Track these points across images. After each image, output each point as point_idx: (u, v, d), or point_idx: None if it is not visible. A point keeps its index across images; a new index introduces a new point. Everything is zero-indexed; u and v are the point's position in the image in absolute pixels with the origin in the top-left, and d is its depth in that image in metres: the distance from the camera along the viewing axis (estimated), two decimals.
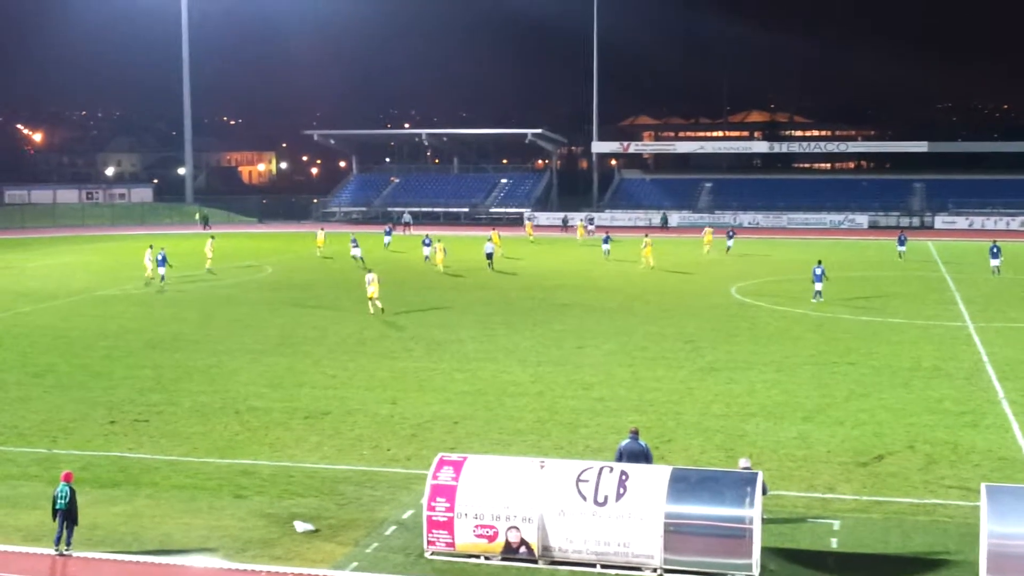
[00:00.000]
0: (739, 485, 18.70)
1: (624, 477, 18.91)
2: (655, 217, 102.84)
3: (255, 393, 32.47)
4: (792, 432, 27.81)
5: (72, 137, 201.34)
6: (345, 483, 23.89)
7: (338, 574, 18.96)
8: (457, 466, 19.59)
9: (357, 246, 68.34)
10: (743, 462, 20.63)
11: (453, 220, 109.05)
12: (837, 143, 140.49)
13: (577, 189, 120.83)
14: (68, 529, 19.64)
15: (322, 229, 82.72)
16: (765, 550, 19.10)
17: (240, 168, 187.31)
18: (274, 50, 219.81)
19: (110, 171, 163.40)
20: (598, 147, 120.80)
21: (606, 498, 18.70)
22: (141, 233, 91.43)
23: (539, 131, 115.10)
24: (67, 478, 20.03)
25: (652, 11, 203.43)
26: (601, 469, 19.20)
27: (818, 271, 50.95)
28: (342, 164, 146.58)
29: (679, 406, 30.60)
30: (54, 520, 19.69)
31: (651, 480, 18.87)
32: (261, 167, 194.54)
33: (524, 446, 26.63)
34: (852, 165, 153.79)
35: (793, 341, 40.43)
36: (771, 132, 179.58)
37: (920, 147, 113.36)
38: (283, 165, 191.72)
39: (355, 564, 19.34)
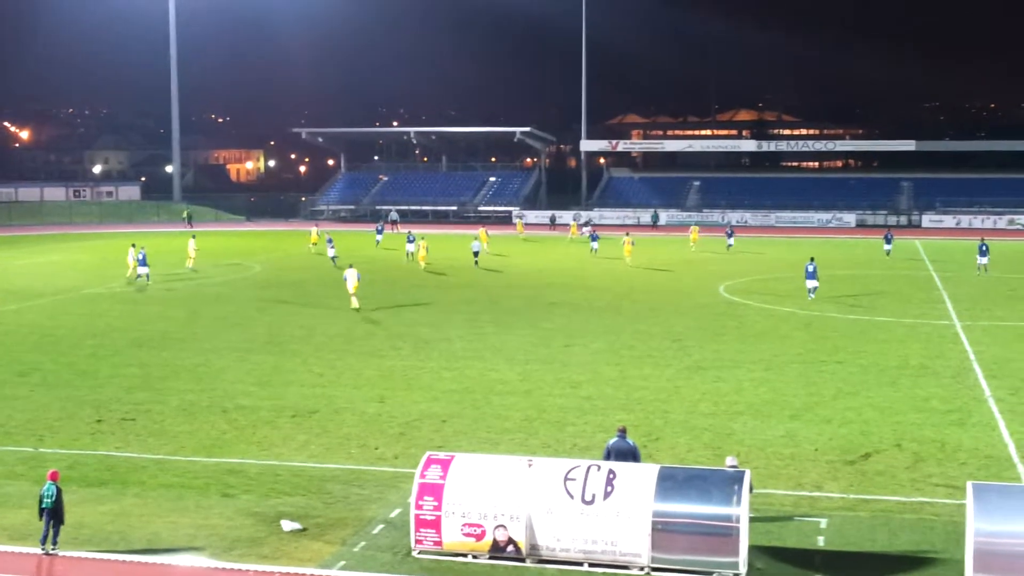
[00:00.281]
0: (726, 483, 18.72)
1: (612, 476, 18.91)
2: (643, 215, 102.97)
3: (242, 391, 32.40)
4: (780, 430, 27.85)
5: (59, 135, 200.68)
6: (333, 482, 23.85)
7: (325, 573, 18.92)
8: (445, 464, 19.57)
9: (333, 246, 68.17)
10: (730, 460, 20.64)
11: (441, 218, 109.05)
12: (825, 142, 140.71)
13: (566, 187, 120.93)
14: (54, 528, 19.56)
15: (316, 226, 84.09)
16: (752, 548, 19.13)
17: (228, 166, 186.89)
18: (262, 48, 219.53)
19: (97, 169, 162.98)
20: (586, 145, 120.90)
21: (594, 496, 18.70)
22: (129, 231, 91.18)
23: (527, 129, 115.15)
24: (53, 477, 19.96)
25: (641, 10, 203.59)
26: (589, 468, 19.20)
27: (810, 268, 51.06)
28: (330, 162, 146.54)
29: (667, 404, 30.62)
30: (40, 519, 19.60)
31: (639, 478, 18.88)
32: (249, 165, 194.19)
33: (512, 444, 26.62)
34: (840, 164, 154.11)
35: (781, 339, 40.49)
36: (759, 131, 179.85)
37: (908, 146, 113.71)
38: (271, 163, 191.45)
39: (342, 563, 19.31)
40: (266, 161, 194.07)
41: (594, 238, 74.89)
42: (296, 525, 20.91)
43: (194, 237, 69.27)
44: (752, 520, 19.66)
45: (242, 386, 33.14)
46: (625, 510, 18.52)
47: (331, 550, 19.86)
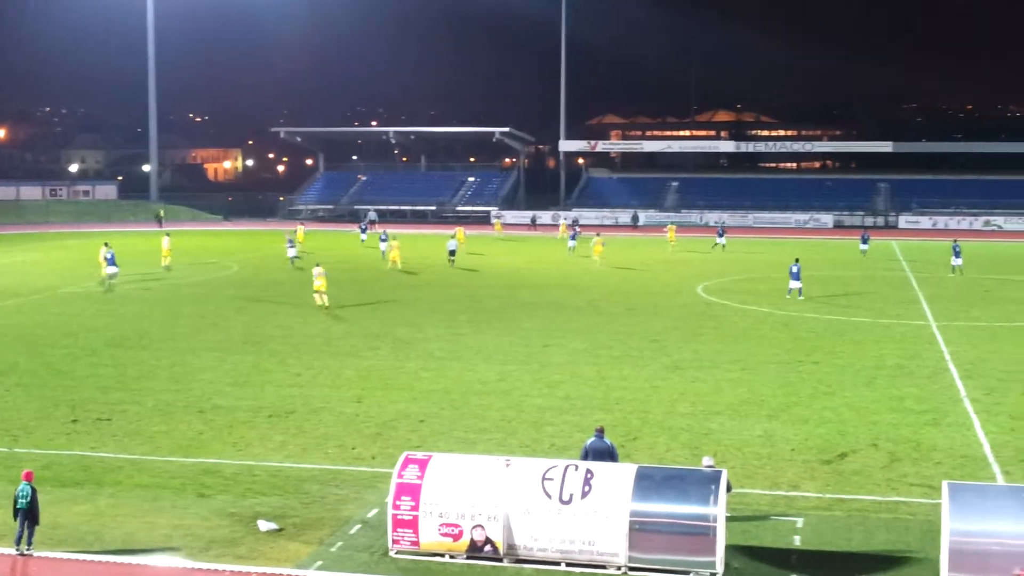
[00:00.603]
0: (704, 483, 18.76)
1: (589, 475, 18.92)
2: (622, 216, 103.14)
3: (219, 392, 32.29)
4: (757, 430, 27.93)
5: (36, 133, 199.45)
6: (310, 482, 23.79)
7: (302, 573, 18.87)
8: (422, 464, 19.55)
9: (293, 246, 67.77)
10: (707, 460, 20.68)
11: (420, 218, 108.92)
12: (803, 143, 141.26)
13: (545, 188, 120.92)
14: (29, 529, 19.45)
15: (301, 225, 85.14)
16: (729, 548, 19.17)
17: (206, 165, 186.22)
18: (241, 47, 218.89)
19: (74, 168, 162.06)
20: (565, 146, 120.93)
21: (571, 496, 18.71)
22: (106, 230, 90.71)
23: (506, 130, 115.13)
24: (28, 477, 19.84)
25: (620, 10, 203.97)
26: (566, 467, 19.21)
27: (795, 269, 51.32)
28: (309, 162, 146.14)
29: (645, 404, 30.67)
30: (15, 520, 19.48)
31: (616, 478, 18.90)
32: (227, 164, 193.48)
33: (490, 444, 26.61)
34: (818, 165, 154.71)
35: (758, 340, 40.61)
36: (738, 132, 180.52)
37: (885, 147, 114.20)
38: (249, 163, 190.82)
39: (319, 563, 19.26)
40: (244, 160, 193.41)
41: (572, 236, 75.69)
42: (273, 525, 20.85)
43: (168, 235, 68.89)
44: (729, 519, 19.71)
45: (219, 386, 33.03)
46: (603, 510, 18.54)
47: (308, 550, 19.80)
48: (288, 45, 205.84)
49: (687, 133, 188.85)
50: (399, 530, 19.28)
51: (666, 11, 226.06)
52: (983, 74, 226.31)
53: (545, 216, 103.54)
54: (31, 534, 19.48)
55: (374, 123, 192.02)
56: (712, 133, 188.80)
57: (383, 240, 70.24)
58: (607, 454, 21.05)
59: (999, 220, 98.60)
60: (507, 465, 19.51)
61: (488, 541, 18.96)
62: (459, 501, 19.03)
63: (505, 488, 18.99)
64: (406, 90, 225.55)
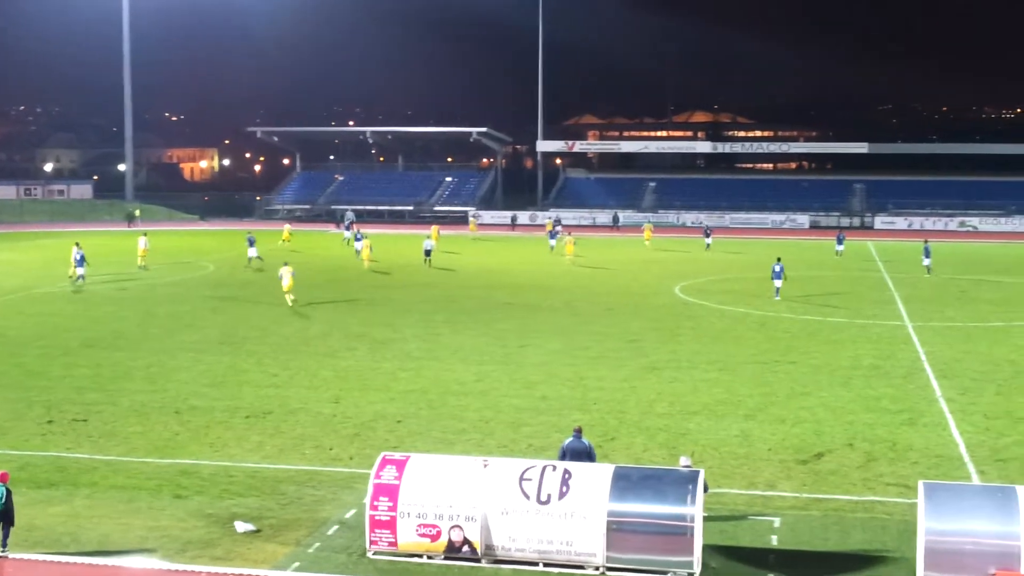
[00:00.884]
0: (681, 483, 18.80)
1: (567, 476, 18.94)
2: (600, 216, 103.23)
3: (195, 392, 32.16)
4: (734, 430, 28.01)
5: (10, 132, 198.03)
6: (287, 483, 23.73)
7: (280, 574, 18.81)
8: (400, 465, 19.52)
9: (253, 245, 67.40)
10: (684, 460, 20.73)
11: (398, 218, 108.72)
12: (779, 144, 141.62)
13: (522, 188, 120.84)
14: (4, 530, 19.32)
15: (288, 224, 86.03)
16: (707, 547, 19.23)
17: (182, 165, 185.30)
18: (217, 46, 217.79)
19: (49, 167, 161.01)
20: (543, 146, 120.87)
21: (549, 496, 18.72)
22: (81, 230, 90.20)
23: (484, 130, 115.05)
24: (3, 478, 19.69)
25: (597, 11, 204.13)
26: (544, 468, 19.22)
27: (777, 268, 51.56)
28: (286, 161, 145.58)
29: (622, 405, 30.71)
30: None
31: (594, 478, 18.92)
32: (203, 164, 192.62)
33: (467, 445, 26.60)
34: (794, 165, 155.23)
35: (735, 340, 40.73)
36: (714, 132, 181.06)
37: (861, 148, 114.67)
38: (226, 162, 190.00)
39: (297, 564, 19.21)
40: (221, 160, 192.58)
41: (552, 235, 76.05)
42: (250, 526, 20.79)
43: (145, 235, 68.49)
44: (706, 519, 19.77)
45: (195, 387, 32.90)
46: (580, 510, 18.55)
47: (285, 551, 19.75)
48: (265, 44, 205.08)
49: (664, 134, 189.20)
50: (377, 531, 19.25)
51: (643, 12, 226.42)
52: (959, 76, 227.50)
53: (523, 216, 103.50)
54: (6, 536, 19.36)
55: (351, 123, 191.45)
56: (689, 134, 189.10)
57: (358, 240, 70.32)
58: (585, 454, 21.07)
59: (974, 221, 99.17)
60: (485, 466, 19.51)
61: (466, 542, 18.96)
62: (437, 502, 19.02)
63: (483, 489, 18.99)
64: (383, 90, 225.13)
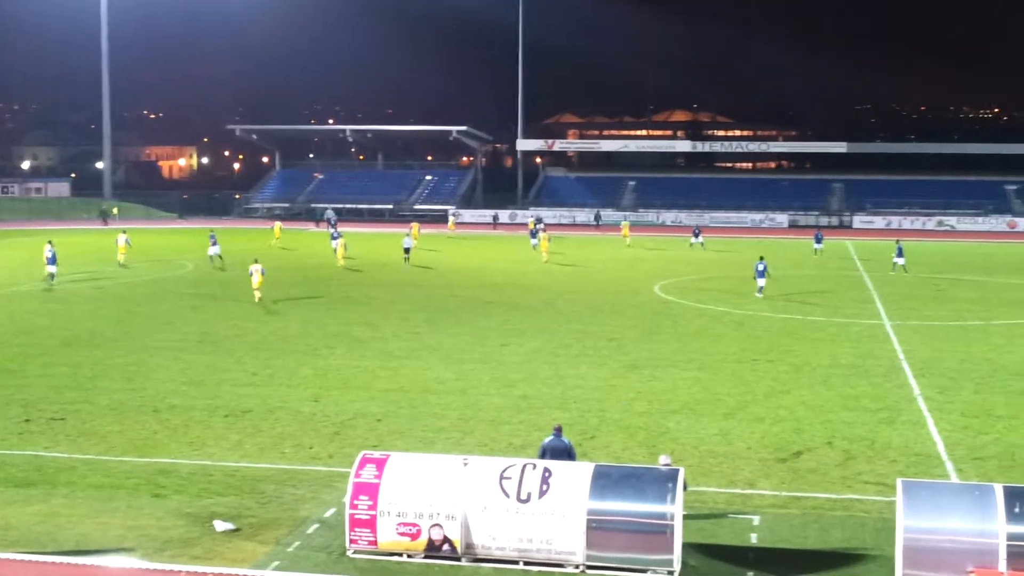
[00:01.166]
0: (660, 482, 18.82)
1: (547, 474, 18.94)
2: (579, 215, 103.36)
3: (174, 391, 32.03)
4: (713, 429, 28.07)
5: None
6: (266, 482, 23.65)
7: (259, 573, 18.75)
8: (380, 464, 19.49)
9: (215, 244, 67.05)
10: (663, 459, 20.74)
11: (378, 217, 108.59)
12: (758, 143, 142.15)
13: (502, 186, 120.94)
14: None
15: (278, 222, 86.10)
16: (686, 545, 19.25)
17: (160, 163, 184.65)
18: (196, 44, 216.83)
19: (26, 165, 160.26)
20: (523, 145, 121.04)
21: (529, 495, 18.71)
22: (58, 228, 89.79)
23: (463, 128, 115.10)
24: None
25: (577, 10, 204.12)
26: (524, 466, 19.21)
27: (760, 267, 51.72)
28: (265, 159, 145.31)
29: (602, 403, 30.74)
30: None
31: (574, 477, 18.92)
32: (182, 162, 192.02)
33: (447, 444, 26.57)
34: (773, 165, 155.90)
35: (715, 339, 40.83)
36: (694, 131, 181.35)
37: (839, 148, 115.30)
38: (205, 160, 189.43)
39: (276, 563, 19.15)
40: (199, 158, 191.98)
41: (533, 234, 76.26)
42: (229, 525, 20.71)
43: (124, 233, 68.19)
44: (686, 518, 19.79)
45: (174, 385, 32.77)
46: (560, 508, 18.56)
47: (265, 550, 19.69)
48: (244, 42, 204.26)
49: (644, 133, 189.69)
50: (357, 530, 19.21)
51: (623, 11, 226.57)
52: (936, 76, 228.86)
53: (503, 215, 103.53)
54: None
55: (331, 121, 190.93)
56: (669, 133, 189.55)
57: (334, 238, 70.05)
58: (565, 453, 21.07)
59: (952, 220, 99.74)
60: (465, 464, 19.49)
61: (446, 540, 18.94)
62: (417, 500, 18.99)
63: (463, 487, 18.97)
64: (363, 88, 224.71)
